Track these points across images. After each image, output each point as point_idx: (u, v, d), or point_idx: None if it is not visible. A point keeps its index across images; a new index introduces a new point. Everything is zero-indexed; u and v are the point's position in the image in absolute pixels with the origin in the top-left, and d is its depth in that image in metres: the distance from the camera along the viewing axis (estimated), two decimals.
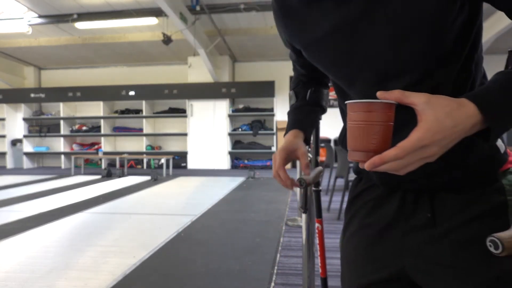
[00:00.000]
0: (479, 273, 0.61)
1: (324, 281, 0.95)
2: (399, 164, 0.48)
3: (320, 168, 0.94)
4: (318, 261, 2.31)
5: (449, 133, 0.47)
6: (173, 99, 9.47)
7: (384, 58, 0.60)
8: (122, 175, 7.59)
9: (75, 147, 10.23)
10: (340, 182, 5.04)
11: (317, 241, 0.95)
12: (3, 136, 10.09)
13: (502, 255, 0.52)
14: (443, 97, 0.50)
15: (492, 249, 0.53)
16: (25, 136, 10.06)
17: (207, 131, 9.37)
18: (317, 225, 0.93)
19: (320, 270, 0.92)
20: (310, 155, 1.73)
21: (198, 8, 6.55)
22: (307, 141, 0.84)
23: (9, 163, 10.12)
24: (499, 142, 0.65)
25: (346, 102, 0.55)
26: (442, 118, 0.47)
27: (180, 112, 9.68)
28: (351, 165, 1.09)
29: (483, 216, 0.61)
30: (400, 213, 0.69)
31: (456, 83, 0.61)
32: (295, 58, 0.88)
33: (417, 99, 0.49)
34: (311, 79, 0.92)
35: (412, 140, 0.47)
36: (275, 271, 2.23)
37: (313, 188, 1.03)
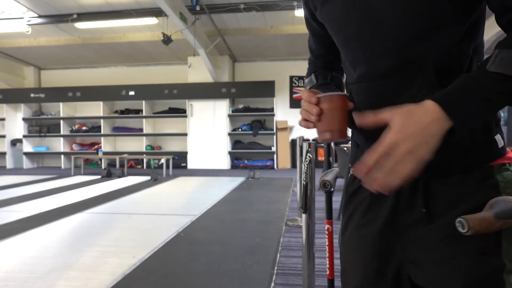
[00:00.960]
0: (467, 270, 0.62)
1: (331, 282, 0.96)
2: (388, 168, 0.53)
3: (336, 169, 0.96)
4: (318, 261, 2.31)
5: (414, 129, 0.53)
6: (173, 99, 9.47)
7: (383, 17, 0.65)
8: (122, 175, 7.59)
9: (75, 147, 10.23)
10: (340, 182, 5.03)
11: (326, 242, 0.96)
12: (3, 136, 10.08)
13: (468, 234, 0.57)
14: (406, 105, 0.55)
15: (460, 229, 0.57)
16: (25, 136, 10.06)
17: (207, 131, 9.37)
18: (327, 226, 0.93)
19: (327, 272, 0.93)
20: (310, 155, 1.73)
21: (198, 8, 6.55)
22: None
23: (9, 163, 10.12)
24: (498, 137, 0.66)
25: (321, 95, 0.69)
26: (403, 118, 0.54)
27: (180, 112, 9.68)
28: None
29: (475, 212, 0.62)
30: (396, 209, 0.70)
31: (447, 62, 0.63)
32: (312, 40, 0.91)
33: (386, 114, 0.56)
34: (328, 67, 0.93)
35: (381, 142, 0.54)
36: (275, 271, 2.23)
37: (324, 189, 1.02)
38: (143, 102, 9.62)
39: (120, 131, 10.06)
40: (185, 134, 9.46)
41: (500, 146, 0.66)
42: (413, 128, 0.53)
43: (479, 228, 0.57)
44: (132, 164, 9.83)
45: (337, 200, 4.33)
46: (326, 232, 0.95)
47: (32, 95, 9.91)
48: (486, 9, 0.65)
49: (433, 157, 0.64)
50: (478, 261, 0.62)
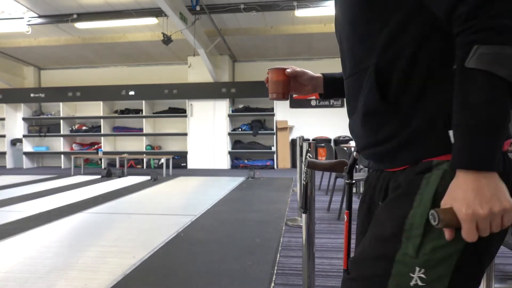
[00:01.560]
0: (361, 250, 0.73)
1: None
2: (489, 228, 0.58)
3: (341, 160, 1.06)
4: (318, 261, 2.31)
5: (466, 198, 0.56)
6: (173, 99, 9.47)
7: (342, 24, 0.81)
8: (122, 175, 7.59)
9: (75, 147, 10.23)
10: (340, 182, 5.04)
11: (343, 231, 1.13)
12: (3, 136, 10.08)
13: (439, 226, 0.57)
14: (453, 192, 0.60)
15: (432, 221, 0.58)
16: (24, 136, 10.06)
17: (207, 131, 9.37)
18: (345, 217, 1.08)
19: (343, 262, 1.04)
20: (310, 155, 1.74)
21: (198, 8, 6.55)
22: (325, 84, 1.02)
23: (9, 163, 10.12)
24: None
25: (269, 68, 0.97)
26: (450, 190, 0.60)
27: (180, 112, 9.68)
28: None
29: (389, 203, 0.70)
30: (371, 202, 0.81)
31: (383, 62, 0.70)
32: None
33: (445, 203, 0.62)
34: None
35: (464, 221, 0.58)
36: (275, 271, 2.23)
37: (346, 181, 1.10)
38: (143, 102, 9.62)
39: (120, 131, 10.05)
40: (185, 134, 9.46)
41: (453, 140, 0.64)
42: (461, 194, 0.57)
43: (450, 222, 0.57)
44: (132, 164, 9.83)
45: (337, 200, 4.32)
46: (344, 221, 1.06)
47: (32, 95, 9.91)
48: None
49: (377, 151, 0.74)
50: (371, 245, 0.70)
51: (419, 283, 0.62)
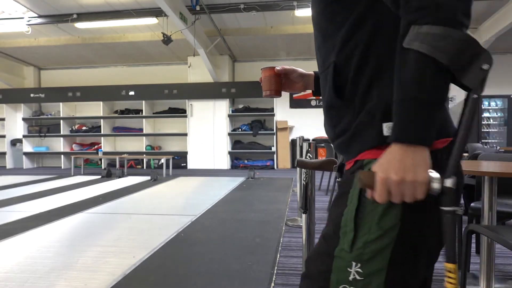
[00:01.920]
0: (315, 247, 0.77)
1: None
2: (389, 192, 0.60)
3: (330, 158, 1.10)
4: None
5: (387, 165, 0.59)
6: (173, 99, 9.47)
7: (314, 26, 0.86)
8: (122, 175, 7.59)
9: (75, 147, 10.22)
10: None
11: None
12: (3, 136, 10.08)
13: (359, 186, 0.63)
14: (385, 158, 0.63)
15: (357, 182, 0.62)
16: (24, 136, 10.06)
17: (207, 131, 9.37)
18: None
19: None
20: (310, 155, 1.74)
21: (198, 8, 6.55)
22: (315, 81, 1.05)
23: (9, 163, 10.12)
24: (388, 125, 0.67)
25: (261, 68, 1.02)
26: (381, 156, 0.62)
27: (180, 112, 9.68)
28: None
29: (335, 201, 0.75)
30: None
31: (340, 59, 0.75)
32: None
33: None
34: None
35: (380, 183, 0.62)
36: (275, 271, 2.23)
37: (337, 180, 1.15)
38: (143, 102, 9.62)
39: (120, 131, 10.05)
40: (185, 134, 9.46)
41: (385, 133, 0.67)
42: (385, 165, 0.60)
43: (367, 183, 0.60)
44: (132, 164, 9.83)
45: None
46: None
47: (32, 95, 9.91)
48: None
49: (337, 144, 0.79)
50: (320, 243, 0.75)
51: (357, 277, 0.65)
